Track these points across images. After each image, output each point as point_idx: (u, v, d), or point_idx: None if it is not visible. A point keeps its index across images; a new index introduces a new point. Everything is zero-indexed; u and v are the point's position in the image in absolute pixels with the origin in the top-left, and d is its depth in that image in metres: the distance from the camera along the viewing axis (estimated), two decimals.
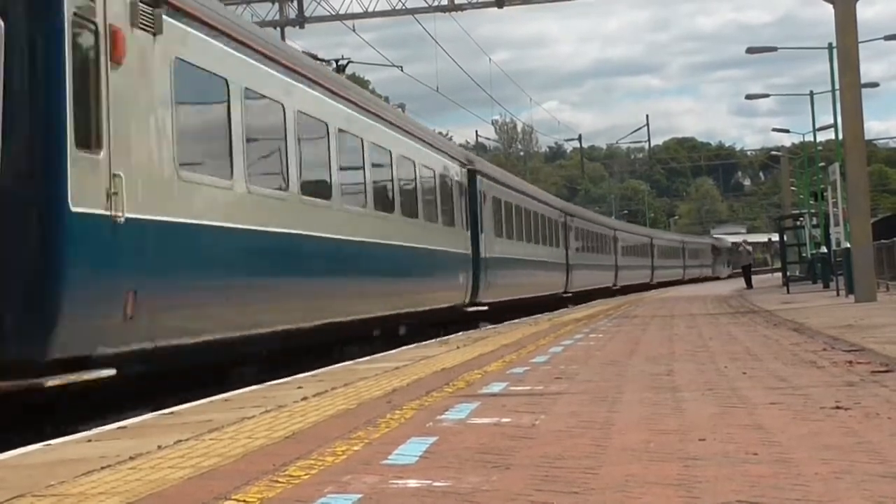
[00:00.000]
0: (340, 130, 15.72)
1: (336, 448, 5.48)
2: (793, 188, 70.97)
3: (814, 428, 5.47)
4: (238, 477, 4.74)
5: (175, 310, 10.22)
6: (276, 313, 12.90)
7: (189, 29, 10.83)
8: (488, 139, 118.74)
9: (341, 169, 15.56)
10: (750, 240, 68.72)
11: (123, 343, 9.29)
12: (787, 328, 15.02)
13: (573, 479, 4.34)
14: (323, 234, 14.40)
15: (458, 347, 14.28)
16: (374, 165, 17.43)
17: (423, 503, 4.03)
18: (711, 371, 8.95)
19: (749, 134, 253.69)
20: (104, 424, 7.76)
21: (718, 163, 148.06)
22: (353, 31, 31.21)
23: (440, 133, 45.84)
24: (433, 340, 17.38)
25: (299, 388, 9.35)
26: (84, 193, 8.62)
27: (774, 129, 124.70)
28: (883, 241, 30.35)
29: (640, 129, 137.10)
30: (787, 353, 10.55)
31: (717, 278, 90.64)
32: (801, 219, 44.44)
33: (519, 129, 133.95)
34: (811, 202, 49.39)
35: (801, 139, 66.82)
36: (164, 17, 10.14)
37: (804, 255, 43.03)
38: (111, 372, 8.87)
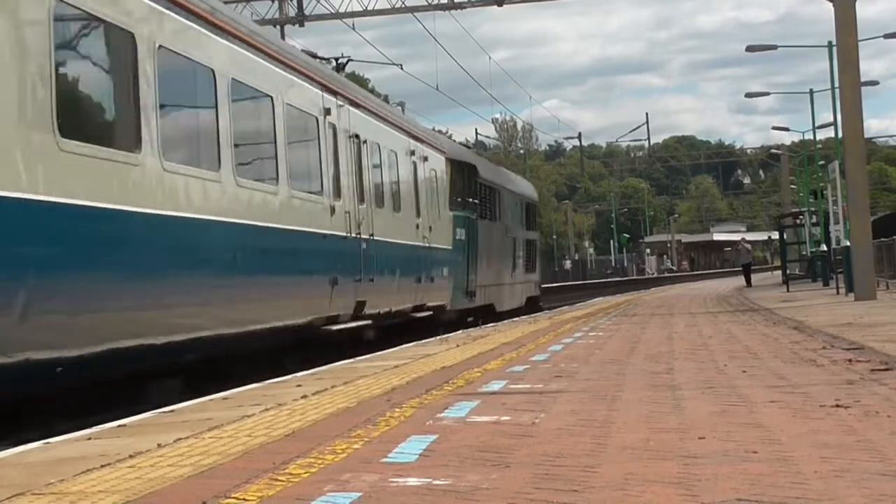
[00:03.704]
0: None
1: (336, 446, 5.49)
2: (792, 186, 71.02)
3: (813, 426, 5.47)
4: (238, 475, 4.74)
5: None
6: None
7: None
8: (488, 137, 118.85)
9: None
10: (749, 238, 68.57)
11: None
12: (787, 326, 15.02)
13: (573, 478, 4.34)
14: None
15: (457, 345, 14.27)
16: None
17: (423, 501, 4.03)
18: (711, 369, 8.95)
19: (749, 132, 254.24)
20: (104, 423, 7.76)
21: (718, 161, 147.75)
22: (353, 29, 31.21)
23: (440, 132, 47.82)
24: (433, 339, 17.41)
25: (298, 386, 9.35)
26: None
27: (774, 128, 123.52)
28: (882, 239, 30.32)
29: (639, 127, 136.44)
30: (787, 351, 10.55)
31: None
32: (801, 217, 44.49)
33: (519, 127, 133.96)
34: (811, 200, 49.42)
35: (801, 137, 66.75)
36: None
37: (804, 253, 43.07)
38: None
